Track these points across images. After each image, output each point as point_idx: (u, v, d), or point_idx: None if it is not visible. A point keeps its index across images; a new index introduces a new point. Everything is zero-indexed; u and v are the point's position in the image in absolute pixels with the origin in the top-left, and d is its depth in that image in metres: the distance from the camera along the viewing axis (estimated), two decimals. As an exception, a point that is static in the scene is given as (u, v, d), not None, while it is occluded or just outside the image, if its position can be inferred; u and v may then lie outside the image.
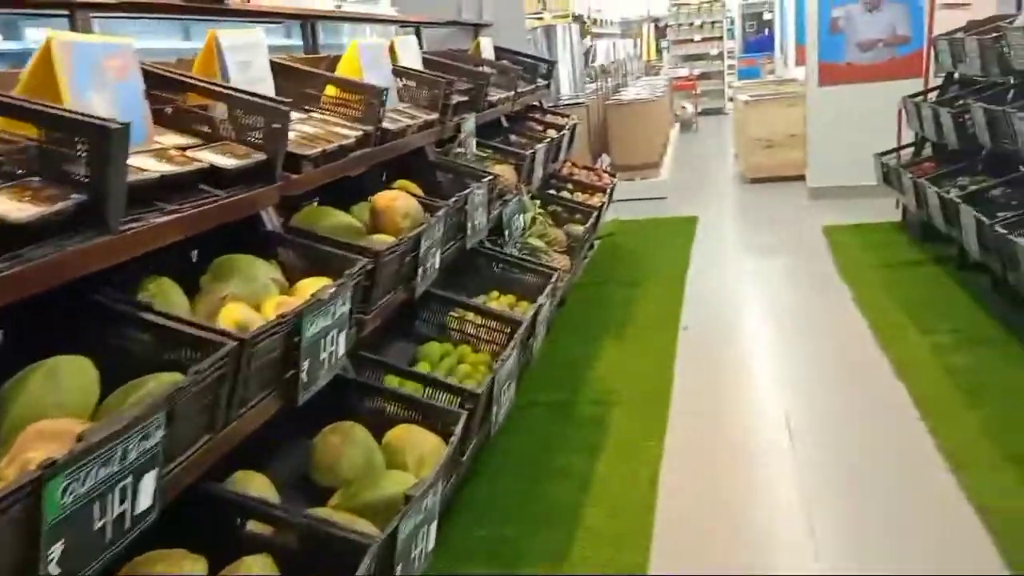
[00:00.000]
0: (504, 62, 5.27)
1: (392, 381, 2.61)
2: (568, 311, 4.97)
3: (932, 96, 6.10)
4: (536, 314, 3.27)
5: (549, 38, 8.45)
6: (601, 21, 17.23)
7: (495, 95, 4.56)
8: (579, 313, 4.98)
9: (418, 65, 3.90)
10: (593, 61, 9.84)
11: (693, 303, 5.15)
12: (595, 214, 5.11)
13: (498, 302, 3.61)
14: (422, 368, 2.90)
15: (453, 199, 3.11)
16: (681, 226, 7.17)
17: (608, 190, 5.81)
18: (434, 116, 3.54)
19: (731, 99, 12.93)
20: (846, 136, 7.30)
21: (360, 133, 2.85)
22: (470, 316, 3.20)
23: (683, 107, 13.79)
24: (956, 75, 5.91)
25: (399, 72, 3.56)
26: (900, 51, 7.16)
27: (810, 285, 5.38)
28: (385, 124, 3.05)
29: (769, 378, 4.06)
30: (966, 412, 3.46)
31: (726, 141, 11.65)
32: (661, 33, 17.18)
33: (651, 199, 8.31)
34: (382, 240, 2.69)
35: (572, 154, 6.14)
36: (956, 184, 5.01)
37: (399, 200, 2.77)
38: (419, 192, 3.39)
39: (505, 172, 4.17)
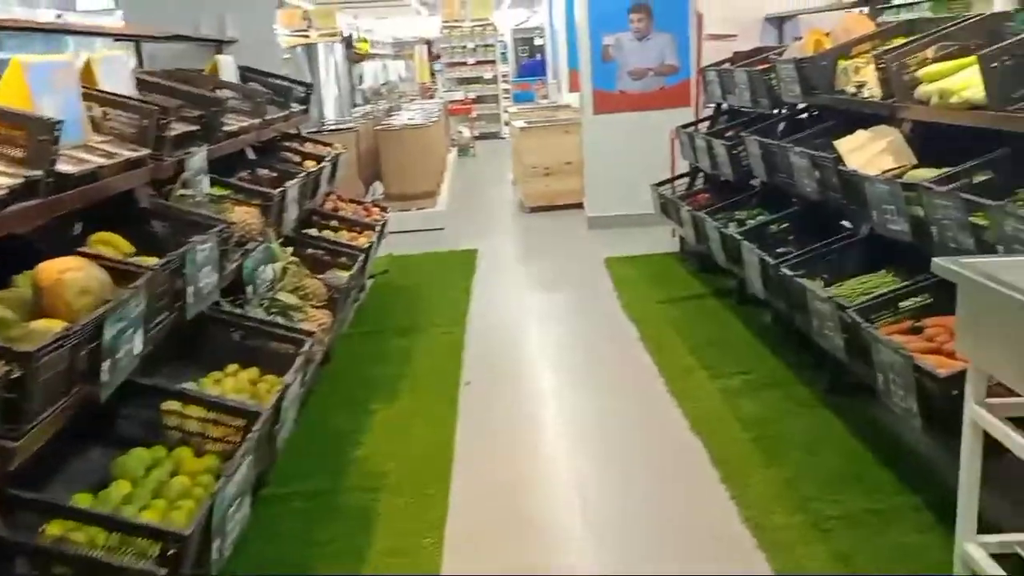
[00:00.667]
0: (252, 85, 4.56)
1: (56, 528, 1.87)
2: (333, 370, 4.32)
3: (703, 126, 6.07)
4: (280, 399, 2.62)
5: (311, 58, 7.77)
6: (373, 42, 16.69)
7: (236, 123, 3.85)
8: (346, 372, 4.35)
9: (127, 88, 3.13)
10: (361, 83, 9.24)
11: (475, 351, 4.68)
12: (362, 257, 4.51)
13: (236, 379, 2.92)
14: (117, 490, 2.16)
15: (162, 262, 2.40)
16: (460, 260, 6.73)
17: (379, 227, 5.23)
18: (143, 152, 2.81)
19: (508, 123, 12.81)
20: (622, 165, 7.22)
21: (21, 180, 2.10)
22: (191, 409, 2.49)
23: (460, 131, 13.51)
24: (725, 106, 5.91)
25: (95, 98, 2.80)
26: (669, 81, 7.17)
27: (596, 325, 5.09)
28: (63, 166, 2.30)
29: (560, 440, 3.65)
30: (764, 470, 3.21)
31: (505, 166, 11.46)
32: (435, 56, 16.88)
33: (428, 230, 7.83)
34: (46, 329, 1.95)
35: (338, 186, 5.51)
36: (734, 218, 4.91)
37: (71, 272, 2.03)
38: (127, 247, 2.65)
39: (249, 215, 3.48)
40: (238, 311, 3.18)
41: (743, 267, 4.33)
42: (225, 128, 3.63)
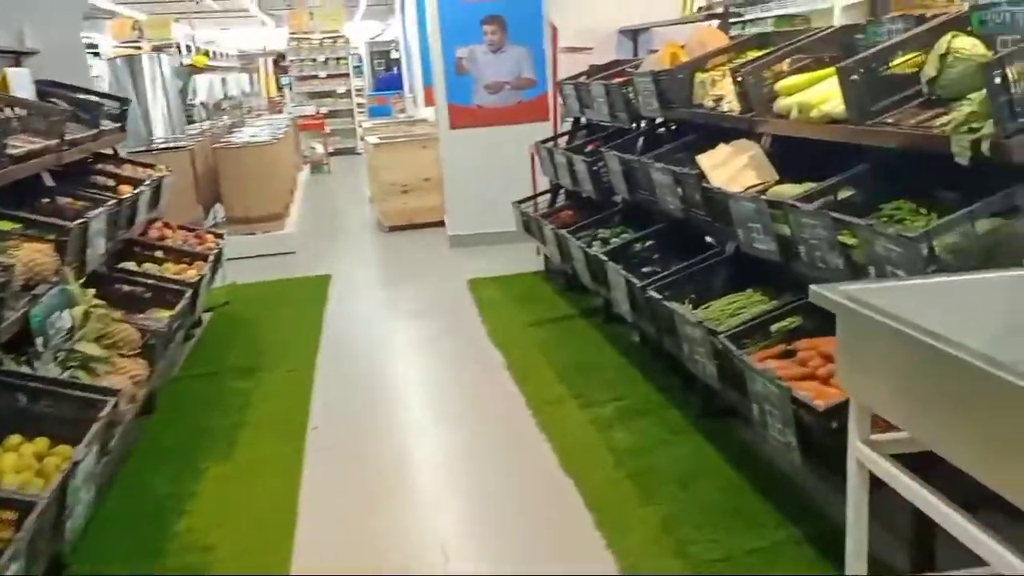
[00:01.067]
0: (53, 101, 3.98)
1: None
2: (157, 423, 3.80)
3: (563, 141, 5.88)
4: (66, 481, 2.14)
5: (133, 71, 7.10)
6: (215, 53, 15.85)
7: (25, 146, 3.29)
8: (172, 424, 3.84)
9: None
10: (194, 98, 8.59)
11: (326, 390, 4.25)
12: (190, 292, 4.01)
13: (17, 455, 2.41)
14: None
15: None
16: (312, 287, 6.26)
17: (213, 255, 4.72)
18: None
19: (363, 138, 12.36)
20: (482, 181, 6.96)
21: None
22: (-56, 504, 1.98)
23: (312, 148, 12.93)
24: (583, 120, 5.73)
25: None
26: (527, 94, 6.97)
27: (460, 354, 4.77)
28: None
29: (420, 490, 3.29)
30: (640, 510, 2.97)
31: (362, 183, 11.01)
32: (283, 69, 16.17)
33: (277, 255, 7.31)
34: None
35: (165, 211, 4.95)
36: (598, 236, 4.70)
37: None
38: None
39: (39, 253, 2.95)
40: (24, 369, 2.66)
41: (609, 288, 4.12)
42: (9, 152, 3.07)
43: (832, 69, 3.13)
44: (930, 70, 2.55)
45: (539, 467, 3.35)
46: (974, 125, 2.19)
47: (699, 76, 3.96)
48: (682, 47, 4.38)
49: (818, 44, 3.29)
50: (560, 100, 5.93)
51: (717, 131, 3.75)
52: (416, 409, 4.09)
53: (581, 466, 3.30)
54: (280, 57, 15.92)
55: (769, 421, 2.64)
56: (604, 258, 4.09)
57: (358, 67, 23.77)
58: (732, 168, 3.39)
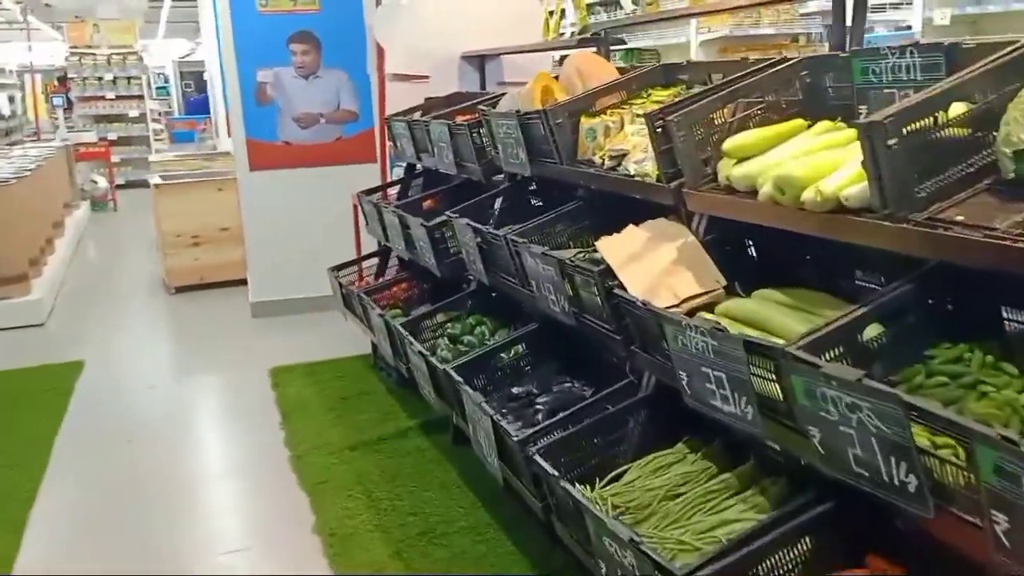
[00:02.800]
0: None
1: None
2: None
3: (394, 192, 4.62)
4: None
5: None
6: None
7: None
8: None
9: None
10: None
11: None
12: None
13: None
14: None
15: None
16: (50, 384, 4.63)
17: None
18: None
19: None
20: (292, 235, 5.59)
21: None
22: None
23: (93, 181, 10.92)
24: (419, 166, 4.50)
25: None
26: (347, 130, 5.66)
27: (247, 509, 3.38)
28: None
29: None
30: None
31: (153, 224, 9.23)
32: (60, 88, 13.90)
33: (15, 328, 5.57)
34: None
35: None
36: (444, 330, 3.48)
37: None
38: None
39: None
40: None
41: (466, 419, 2.89)
42: None
43: (821, 127, 2.11)
44: (1016, 136, 1.53)
45: None
46: None
47: (586, 122, 2.84)
48: (555, 79, 3.26)
49: (770, 83, 2.25)
50: (389, 139, 4.68)
51: (616, 200, 2.64)
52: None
53: None
54: (63, 76, 13.62)
55: None
56: (457, 378, 2.86)
57: (163, 88, 21.41)
58: (653, 265, 2.26)
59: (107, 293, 6.87)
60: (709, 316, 2.03)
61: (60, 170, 9.24)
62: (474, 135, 3.45)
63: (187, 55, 22.96)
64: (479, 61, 4.78)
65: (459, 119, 3.83)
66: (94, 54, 12.89)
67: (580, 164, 2.81)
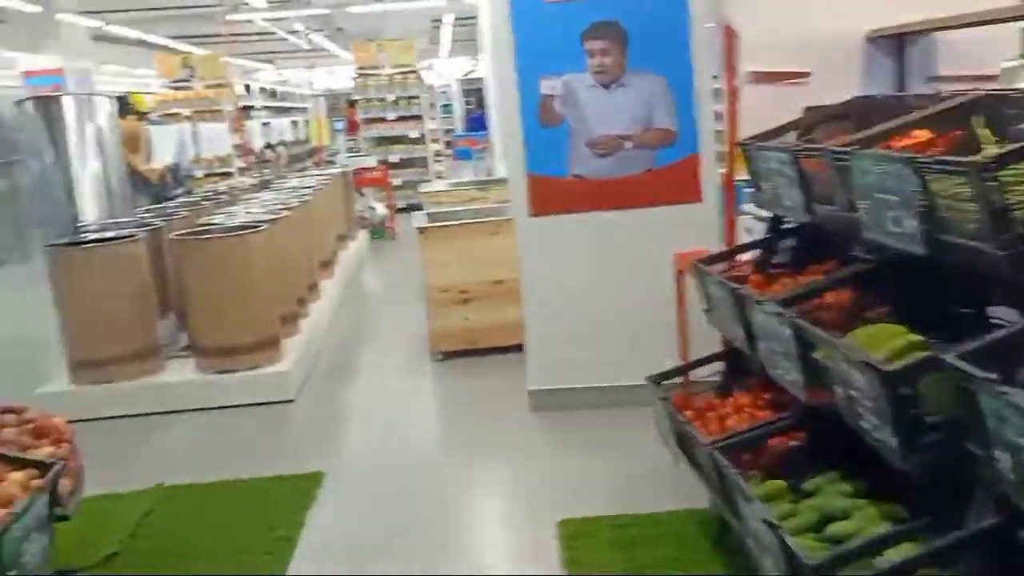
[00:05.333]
0: None
1: None
2: None
3: (751, 258, 2.91)
4: None
5: (50, 118, 4.61)
6: (279, 94, 13.61)
7: None
8: None
9: None
10: (148, 160, 6.03)
11: None
12: None
13: None
14: None
15: None
16: (279, 509, 3.44)
17: (56, 465, 1.98)
18: None
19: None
20: (585, 303, 4.09)
21: None
22: None
23: (372, 207, 10.30)
24: (792, 220, 2.74)
25: None
26: (663, 158, 4.03)
27: None
28: None
29: None
30: None
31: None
32: (351, 111, 13.67)
33: (260, 406, 4.60)
34: None
35: None
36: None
37: None
38: None
39: None
40: None
41: None
42: None
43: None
44: None
45: None
46: None
47: None
48: None
49: None
50: (741, 172, 2.98)
51: None
52: None
53: None
54: (351, 100, 13.47)
55: None
56: None
57: (446, 106, 21.30)
58: None
59: (369, 355, 5.84)
60: None
61: (335, 200, 8.55)
62: (984, 176, 1.64)
63: (469, 72, 22.96)
64: (895, 44, 2.91)
65: (899, 145, 2.06)
66: (377, 74, 12.49)
67: None
